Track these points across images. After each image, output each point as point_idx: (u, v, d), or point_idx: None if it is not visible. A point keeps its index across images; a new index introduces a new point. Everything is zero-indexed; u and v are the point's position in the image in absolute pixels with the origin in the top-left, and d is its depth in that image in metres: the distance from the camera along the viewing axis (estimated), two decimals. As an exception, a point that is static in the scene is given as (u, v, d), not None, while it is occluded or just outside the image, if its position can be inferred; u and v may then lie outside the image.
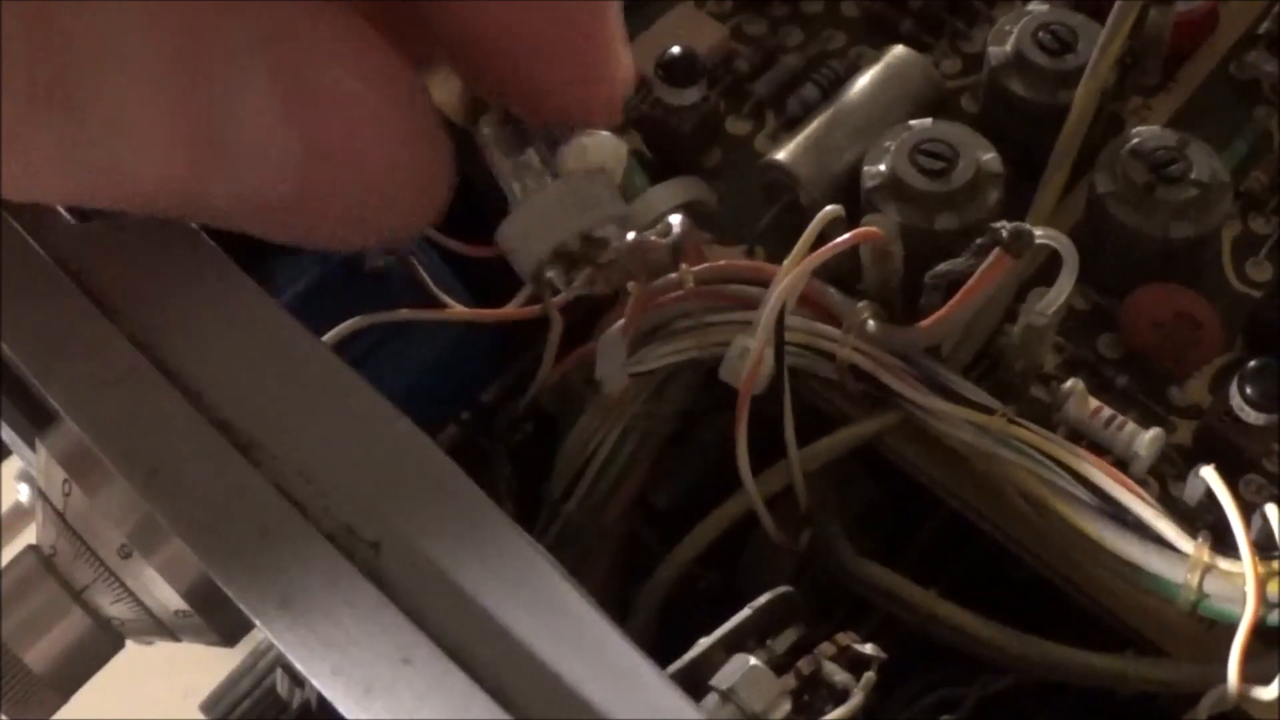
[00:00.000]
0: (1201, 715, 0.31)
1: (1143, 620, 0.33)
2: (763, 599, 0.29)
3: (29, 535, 0.31)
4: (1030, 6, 0.39)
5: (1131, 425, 0.33)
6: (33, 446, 0.30)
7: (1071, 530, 0.32)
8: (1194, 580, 0.30)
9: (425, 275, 0.36)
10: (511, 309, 0.36)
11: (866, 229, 0.32)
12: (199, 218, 0.23)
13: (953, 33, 0.41)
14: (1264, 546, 0.30)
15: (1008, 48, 0.37)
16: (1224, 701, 0.30)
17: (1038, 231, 0.31)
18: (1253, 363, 0.33)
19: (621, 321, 0.33)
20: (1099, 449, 0.33)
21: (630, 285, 0.33)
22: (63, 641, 0.30)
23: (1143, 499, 0.31)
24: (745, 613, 0.29)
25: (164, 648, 0.32)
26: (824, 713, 0.27)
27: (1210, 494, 0.31)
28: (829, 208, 0.32)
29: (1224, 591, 0.30)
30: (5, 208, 0.25)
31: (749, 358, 0.32)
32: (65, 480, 0.29)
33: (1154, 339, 0.35)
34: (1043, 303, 0.32)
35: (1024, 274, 0.34)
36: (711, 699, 0.26)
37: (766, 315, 0.32)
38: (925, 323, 0.32)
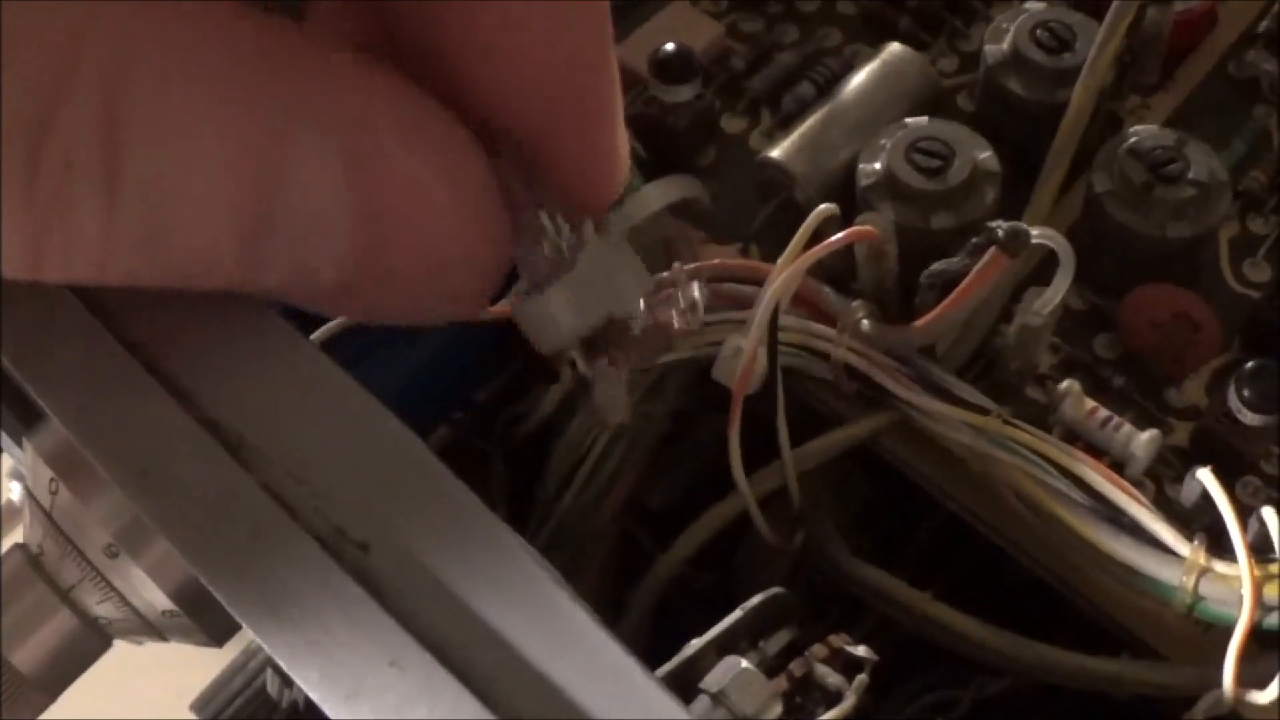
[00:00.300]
0: (1198, 718, 0.31)
1: (1139, 623, 0.33)
2: (754, 600, 0.29)
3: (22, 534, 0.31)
4: (1028, 5, 0.38)
5: (1128, 426, 0.33)
6: (22, 445, 0.30)
7: (1067, 532, 0.31)
8: (1190, 583, 0.30)
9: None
10: (505, 307, 0.36)
11: (860, 228, 0.32)
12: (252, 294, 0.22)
13: (950, 31, 0.41)
14: (1261, 549, 0.30)
15: (1005, 46, 0.37)
16: (1220, 705, 0.30)
17: (1034, 231, 0.31)
18: (1250, 364, 0.33)
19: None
20: (1095, 450, 0.33)
21: None
22: (50, 641, 0.30)
23: (1139, 501, 0.31)
24: (736, 614, 0.29)
25: (155, 648, 0.32)
26: (816, 715, 0.27)
27: (1207, 496, 0.31)
28: (823, 206, 0.32)
29: (1220, 594, 0.30)
30: None
31: (742, 357, 0.32)
32: (52, 479, 0.28)
33: (1151, 339, 0.35)
34: (1039, 303, 0.32)
35: (1020, 274, 0.34)
36: (702, 701, 0.26)
37: (759, 314, 0.32)
38: (920, 322, 0.32)
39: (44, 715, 0.31)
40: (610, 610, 0.37)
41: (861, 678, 0.28)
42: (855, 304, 0.33)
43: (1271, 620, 0.30)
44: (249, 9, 0.18)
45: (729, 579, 0.38)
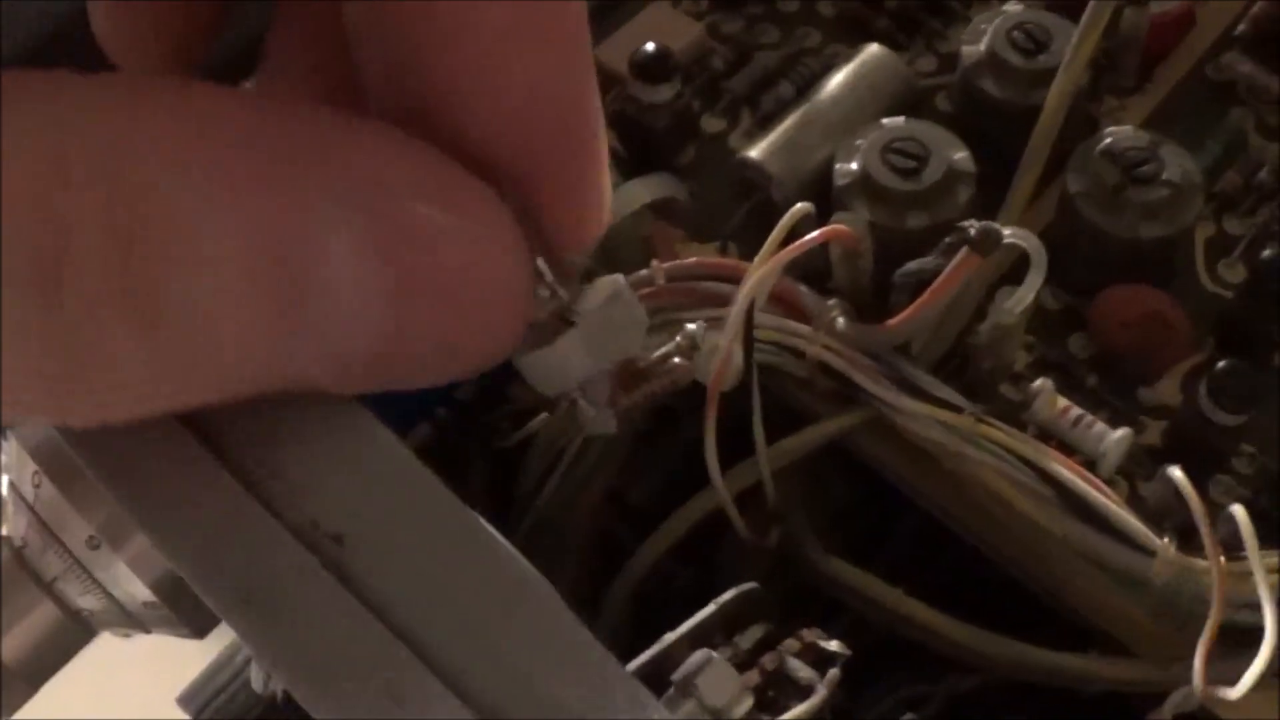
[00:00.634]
0: (1166, 715, 0.31)
1: (1110, 620, 0.33)
2: (727, 595, 0.29)
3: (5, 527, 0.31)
4: (1006, 6, 0.39)
5: (1100, 425, 0.33)
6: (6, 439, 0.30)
7: (1039, 530, 0.32)
8: (1160, 580, 0.30)
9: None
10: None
11: (835, 227, 0.32)
12: (284, 391, 0.22)
13: (929, 32, 0.41)
14: (1230, 547, 0.30)
15: (981, 47, 0.37)
16: (1189, 701, 0.30)
17: (1006, 231, 0.31)
18: (1222, 364, 0.33)
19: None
20: (1068, 448, 0.33)
21: None
22: (33, 633, 0.30)
23: (1110, 498, 0.31)
24: (710, 608, 0.29)
25: (142, 641, 0.32)
26: (788, 709, 0.28)
27: (1178, 494, 0.31)
28: (798, 205, 0.32)
29: (1190, 591, 0.30)
30: None
31: (718, 355, 0.32)
32: (35, 472, 0.29)
33: (1123, 339, 0.35)
34: (1010, 301, 0.32)
35: (995, 273, 0.34)
36: (673, 693, 0.26)
37: (735, 312, 0.32)
38: (893, 321, 0.32)
39: (34, 711, 0.31)
40: (591, 606, 0.37)
41: (833, 672, 0.28)
42: (831, 302, 0.34)
43: (1240, 617, 0.30)
44: (229, 90, 0.17)
45: (711, 576, 0.38)
